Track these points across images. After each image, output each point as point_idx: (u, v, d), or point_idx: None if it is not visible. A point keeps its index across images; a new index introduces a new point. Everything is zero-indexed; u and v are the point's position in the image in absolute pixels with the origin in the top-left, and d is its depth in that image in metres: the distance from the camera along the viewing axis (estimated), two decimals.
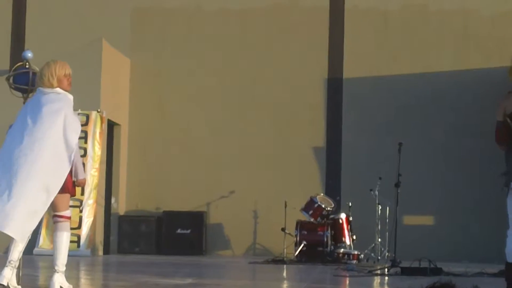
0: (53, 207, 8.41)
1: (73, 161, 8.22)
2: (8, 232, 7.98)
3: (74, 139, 8.14)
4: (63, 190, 8.32)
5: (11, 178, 7.97)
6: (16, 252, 8.42)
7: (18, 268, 8.38)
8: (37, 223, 8.11)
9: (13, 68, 8.97)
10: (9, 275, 8.21)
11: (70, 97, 8.24)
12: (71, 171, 8.30)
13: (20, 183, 8.01)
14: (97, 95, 16.58)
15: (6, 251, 8.32)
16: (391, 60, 18.97)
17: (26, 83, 8.90)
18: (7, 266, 8.19)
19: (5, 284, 8.20)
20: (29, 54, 8.81)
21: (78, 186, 8.63)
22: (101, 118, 16.78)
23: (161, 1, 19.56)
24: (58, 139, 8.02)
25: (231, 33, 19.36)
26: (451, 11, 19.03)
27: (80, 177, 8.41)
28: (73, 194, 8.59)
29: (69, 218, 8.45)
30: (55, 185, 7.99)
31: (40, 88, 8.28)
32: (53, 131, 8.00)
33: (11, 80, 8.99)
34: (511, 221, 8.06)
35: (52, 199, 8.08)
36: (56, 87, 8.17)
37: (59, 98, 8.15)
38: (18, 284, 8.30)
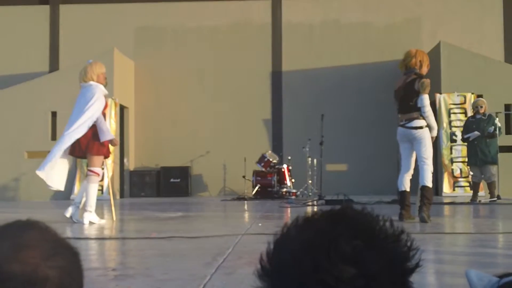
0: (89, 163, 8.51)
1: (98, 127, 8.41)
2: (50, 184, 8.21)
3: (97, 112, 8.36)
4: (99, 153, 8.41)
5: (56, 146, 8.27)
6: (79, 195, 8.57)
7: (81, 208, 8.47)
8: (65, 172, 8.34)
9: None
10: (73, 211, 8.39)
11: (101, 86, 8.51)
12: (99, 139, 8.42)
13: (56, 148, 8.24)
14: (112, 87, 16.47)
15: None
16: (315, 58, 19.00)
17: None
18: (72, 205, 8.42)
19: (68, 216, 8.36)
20: (90, 62, 8.83)
21: (112, 145, 8.78)
22: (115, 104, 16.68)
23: (156, 21, 19.41)
24: (84, 114, 8.25)
25: (205, 41, 19.30)
26: (355, 23, 19.09)
27: (107, 138, 8.46)
28: (107, 156, 8.67)
29: (97, 173, 8.44)
30: (70, 139, 8.24)
31: (82, 84, 8.51)
32: (83, 111, 8.22)
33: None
34: (402, 165, 8.23)
35: (65, 146, 8.25)
36: (93, 81, 8.46)
37: (93, 88, 8.42)
38: (80, 217, 8.34)
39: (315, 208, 11.91)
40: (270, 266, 1.07)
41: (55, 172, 8.22)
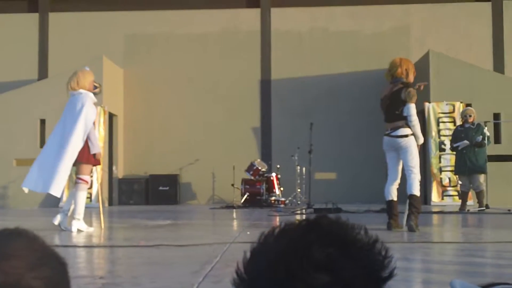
0: (78, 171, 8.48)
1: (89, 138, 8.37)
2: (50, 191, 8.14)
3: (90, 123, 8.31)
4: (87, 161, 8.38)
5: (54, 157, 8.16)
6: (68, 203, 8.53)
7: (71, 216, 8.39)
8: (64, 182, 8.23)
9: None
10: (61, 218, 8.35)
11: (91, 94, 8.52)
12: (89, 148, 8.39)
13: (57, 160, 8.15)
14: (101, 95, 16.43)
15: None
16: (304, 66, 19.06)
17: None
18: (60, 213, 8.36)
19: (56, 223, 8.31)
20: (87, 69, 8.80)
21: (97, 158, 8.57)
22: (104, 111, 16.63)
23: (145, 28, 19.42)
24: (78, 126, 8.20)
25: (194, 49, 19.31)
26: (344, 31, 19.18)
27: (95, 151, 8.44)
28: (96, 164, 8.62)
29: (86, 181, 8.43)
30: (73, 155, 8.18)
31: (70, 92, 8.47)
32: (76, 122, 8.19)
33: None
34: (389, 174, 8.23)
35: (71, 163, 8.20)
36: (84, 89, 8.42)
37: (82, 97, 8.40)
38: (68, 225, 8.30)
39: (304, 217, 11.90)
40: (246, 275, 1.08)
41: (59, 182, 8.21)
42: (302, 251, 1.02)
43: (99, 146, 8.62)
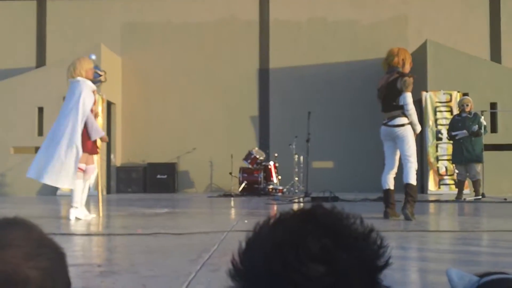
0: None
1: (86, 125, 8.34)
2: (56, 184, 8.13)
3: (86, 110, 8.32)
4: (84, 150, 8.35)
5: (55, 144, 8.14)
6: (84, 193, 8.54)
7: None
8: (70, 174, 8.20)
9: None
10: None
11: (88, 82, 8.47)
12: (87, 136, 8.34)
13: (57, 148, 8.14)
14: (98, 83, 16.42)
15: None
16: (303, 55, 19.02)
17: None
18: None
19: (78, 207, 8.26)
20: (93, 57, 8.79)
21: (103, 142, 8.68)
22: (102, 99, 16.61)
23: (143, 17, 19.36)
24: (75, 115, 8.17)
25: (192, 38, 19.26)
26: (342, 21, 19.13)
27: (97, 136, 8.43)
28: (92, 153, 8.57)
29: (81, 169, 8.40)
30: (79, 146, 8.16)
31: (70, 80, 8.46)
32: (74, 108, 8.12)
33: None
34: (386, 163, 8.26)
35: (79, 152, 8.18)
36: (81, 76, 8.41)
37: (79, 85, 8.38)
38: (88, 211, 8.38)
39: (301, 206, 11.91)
40: (242, 266, 1.08)
41: (64, 174, 8.18)
42: (298, 242, 1.02)
43: (100, 130, 8.59)
